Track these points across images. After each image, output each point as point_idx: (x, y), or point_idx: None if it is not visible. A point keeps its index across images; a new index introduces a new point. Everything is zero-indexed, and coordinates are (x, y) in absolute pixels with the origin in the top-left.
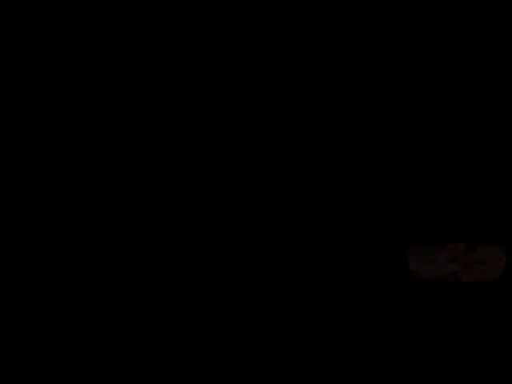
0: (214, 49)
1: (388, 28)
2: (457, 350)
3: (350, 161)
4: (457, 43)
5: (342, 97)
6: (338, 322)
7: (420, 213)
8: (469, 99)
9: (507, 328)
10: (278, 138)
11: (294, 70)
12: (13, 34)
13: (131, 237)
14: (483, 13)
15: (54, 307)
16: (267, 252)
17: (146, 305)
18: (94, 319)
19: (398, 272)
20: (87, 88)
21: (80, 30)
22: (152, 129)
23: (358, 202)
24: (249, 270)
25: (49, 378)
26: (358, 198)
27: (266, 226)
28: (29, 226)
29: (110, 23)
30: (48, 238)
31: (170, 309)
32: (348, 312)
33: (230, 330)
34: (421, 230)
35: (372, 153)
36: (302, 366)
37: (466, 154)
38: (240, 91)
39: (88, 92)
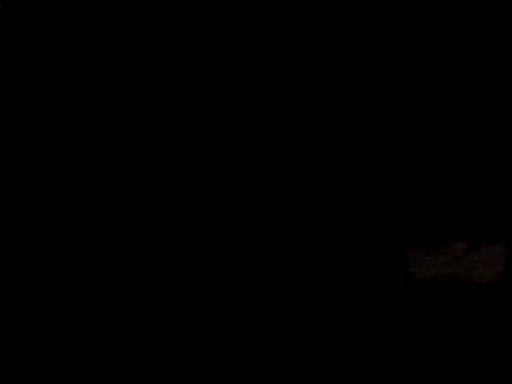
0: (214, 49)
1: (388, 28)
2: (457, 349)
3: (350, 161)
4: (457, 45)
5: (342, 97)
6: (337, 323)
7: (420, 213)
8: (469, 99)
9: (507, 328)
10: (278, 137)
11: (293, 70)
12: (13, 34)
13: (131, 237)
14: (483, 13)
15: (54, 307)
16: (266, 253)
17: (145, 305)
18: (94, 319)
19: (398, 272)
20: (87, 88)
21: (80, 30)
22: (152, 129)
23: (358, 202)
24: (248, 271)
25: (49, 378)
26: (358, 198)
27: (264, 227)
28: (28, 226)
29: (109, 23)
30: (48, 237)
31: (170, 309)
32: (347, 312)
33: (230, 329)
34: (421, 230)
35: (372, 153)
36: (299, 367)
37: (466, 154)
38: (240, 91)
39: (88, 92)
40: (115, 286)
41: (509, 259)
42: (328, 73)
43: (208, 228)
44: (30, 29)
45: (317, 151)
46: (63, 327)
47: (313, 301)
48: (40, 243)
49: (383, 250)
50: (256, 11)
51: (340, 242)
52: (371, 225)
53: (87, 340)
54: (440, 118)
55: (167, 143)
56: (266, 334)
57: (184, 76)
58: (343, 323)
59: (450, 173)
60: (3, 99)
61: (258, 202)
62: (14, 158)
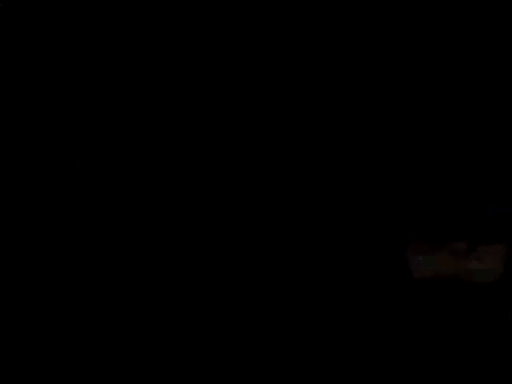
0: (214, 49)
1: (388, 28)
2: (456, 350)
3: (350, 161)
4: (457, 45)
5: (343, 97)
6: (337, 322)
7: (420, 213)
8: (469, 98)
9: (507, 328)
10: (278, 137)
11: (294, 70)
12: (13, 34)
13: (131, 237)
14: (483, 13)
15: (54, 307)
16: (266, 254)
17: (146, 305)
18: (94, 319)
19: (398, 272)
20: (87, 88)
21: (80, 30)
22: (152, 129)
23: (358, 202)
24: (247, 271)
25: (49, 378)
26: (358, 198)
27: (264, 226)
28: (29, 226)
29: (109, 23)
30: (48, 238)
31: (170, 309)
32: (347, 312)
33: (230, 329)
34: (421, 230)
35: (372, 153)
36: (298, 366)
37: (466, 154)
38: (240, 91)
39: (87, 92)
40: (115, 285)
41: (509, 259)
42: (329, 73)
43: (208, 227)
44: (30, 29)
45: (317, 152)
46: (63, 327)
47: (313, 300)
48: (40, 243)
49: (383, 250)
50: (256, 11)
51: (340, 241)
52: (372, 225)
53: (87, 340)
54: (439, 118)
55: (167, 143)
56: (264, 334)
57: (184, 76)
58: (343, 323)
59: (450, 173)
60: (3, 99)
61: (259, 202)
62: (14, 158)
